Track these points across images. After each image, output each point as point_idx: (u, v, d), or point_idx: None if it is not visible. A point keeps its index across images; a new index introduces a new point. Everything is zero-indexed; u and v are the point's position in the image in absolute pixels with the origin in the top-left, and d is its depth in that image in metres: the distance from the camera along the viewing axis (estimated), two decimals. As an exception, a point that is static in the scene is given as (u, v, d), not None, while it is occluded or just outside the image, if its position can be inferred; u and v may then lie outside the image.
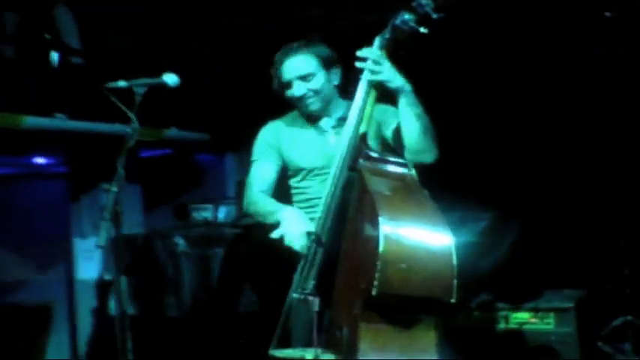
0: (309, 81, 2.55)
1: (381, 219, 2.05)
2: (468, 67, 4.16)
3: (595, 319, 3.79)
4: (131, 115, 2.29)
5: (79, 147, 4.29)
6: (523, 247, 4.22)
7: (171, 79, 2.41)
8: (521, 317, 3.76)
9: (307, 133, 2.63)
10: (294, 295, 2.38)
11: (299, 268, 2.39)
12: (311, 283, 2.30)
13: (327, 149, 2.56)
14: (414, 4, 2.29)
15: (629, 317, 3.75)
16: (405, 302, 2.08)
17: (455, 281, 2.06)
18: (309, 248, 2.35)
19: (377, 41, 2.37)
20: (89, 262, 4.77)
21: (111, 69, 3.77)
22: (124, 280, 2.31)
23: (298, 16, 3.93)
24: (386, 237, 2.04)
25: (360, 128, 2.33)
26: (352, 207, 2.26)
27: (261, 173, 2.65)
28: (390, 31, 2.34)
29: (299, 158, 2.61)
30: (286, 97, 2.62)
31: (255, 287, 4.08)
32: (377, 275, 2.01)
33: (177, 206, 4.83)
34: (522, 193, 4.32)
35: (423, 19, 2.29)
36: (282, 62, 2.58)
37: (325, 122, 2.64)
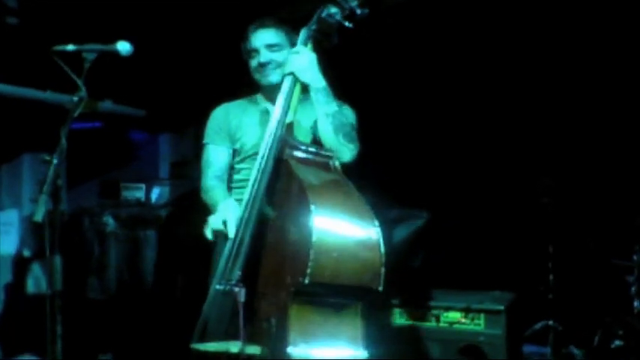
0: (274, 52, 2.55)
1: (312, 208, 2.06)
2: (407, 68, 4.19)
3: (522, 322, 3.89)
4: (79, 82, 2.13)
5: (4, 113, 4.01)
6: (457, 249, 4.30)
7: (124, 47, 2.25)
8: (452, 317, 3.79)
9: (253, 117, 2.63)
10: (218, 287, 2.31)
11: (223, 259, 2.33)
12: (237, 274, 2.23)
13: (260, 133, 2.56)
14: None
15: (550, 322, 3.85)
16: (334, 290, 2.10)
17: (383, 269, 2.11)
18: (235, 234, 2.31)
19: (302, 32, 2.42)
20: (5, 236, 4.50)
21: (48, 32, 3.53)
22: (58, 259, 2.13)
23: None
24: (318, 227, 2.05)
25: (287, 118, 2.35)
26: (278, 196, 2.26)
27: (214, 157, 2.63)
28: (316, 22, 2.38)
29: (242, 139, 2.61)
30: (250, 68, 2.61)
31: (185, 273, 3.96)
32: (310, 264, 2.01)
33: (105, 183, 4.62)
34: (456, 197, 4.39)
35: (348, 13, 2.33)
36: (254, 31, 2.59)
37: (273, 108, 2.62)
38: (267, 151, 2.30)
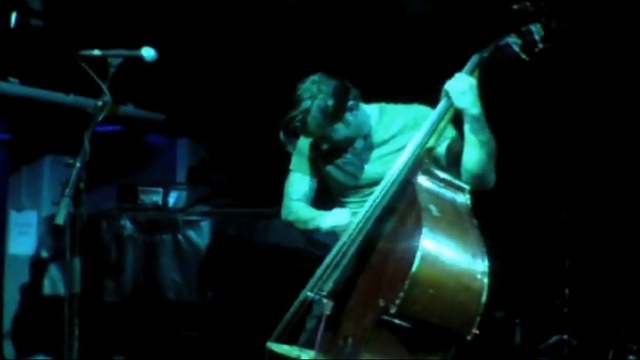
0: (331, 137, 2.47)
1: (423, 237, 1.97)
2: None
3: (538, 335, 3.87)
4: (104, 87, 2.15)
5: (28, 115, 4.06)
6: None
7: (148, 53, 2.28)
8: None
9: (340, 151, 2.54)
10: (309, 294, 2.27)
11: (321, 267, 2.29)
12: (329, 286, 2.20)
13: (359, 170, 2.51)
14: (523, 29, 2.23)
15: (564, 336, 3.83)
16: (420, 326, 1.99)
17: (478, 318, 1.98)
18: (342, 245, 2.25)
19: (473, 59, 2.30)
20: (24, 237, 4.54)
21: (71, 34, 3.58)
22: (77, 262, 2.15)
23: (272, 3, 3.85)
24: (422, 256, 1.96)
25: (429, 142, 2.27)
26: (395, 218, 2.19)
27: (299, 185, 2.63)
28: (492, 51, 2.28)
29: (335, 176, 2.55)
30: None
31: (202, 278, 3.96)
32: (401, 294, 1.94)
33: (123, 186, 4.63)
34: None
35: (528, 45, 2.24)
36: (301, 126, 2.44)
37: (357, 142, 2.55)
38: (400, 169, 2.23)
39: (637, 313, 3.75)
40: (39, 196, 4.60)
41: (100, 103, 2.17)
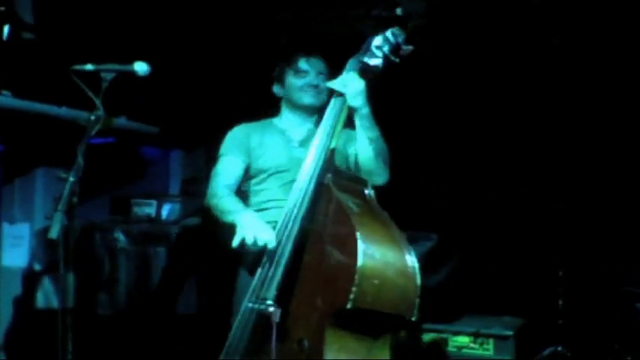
0: (321, 79, 2.70)
1: (358, 234, 2.10)
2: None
3: (533, 348, 3.86)
4: (97, 101, 2.16)
5: (21, 127, 4.05)
6: (464, 271, 4.29)
7: (141, 67, 2.29)
8: (461, 341, 3.78)
9: (275, 138, 2.72)
10: (250, 305, 2.32)
11: (257, 277, 2.34)
12: (272, 293, 2.26)
13: (291, 153, 2.66)
14: (387, 32, 2.44)
15: (559, 347, 3.83)
16: (372, 317, 2.12)
17: (417, 300, 2.15)
18: (269, 254, 2.32)
19: (351, 61, 2.50)
20: (16, 250, 4.51)
21: (64, 48, 3.58)
22: (71, 277, 2.15)
23: (265, 19, 3.87)
24: (364, 252, 2.08)
25: (332, 143, 2.42)
26: (318, 220, 2.29)
27: (229, 168, 2.68)
28: (365, 53, 2.47)
29: (264, 159, 2.67)
30: (286, 86, 2.73)
31: (196, 290, 3.96)
32: (354, 289, 2.05)
33: (116, 199, 4.63)
34: (466, 219, 4.39)
35: (394, 48, 2.44)
36: (303, 55, 2.73)
37: (295, 131, 2.75)
38: (312, 172, 2.35)
39: (631, 324, 3.75)
40: (32, 209, 4.58)
41: (93, 117, 2.18)
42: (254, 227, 2.36)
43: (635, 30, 3.64)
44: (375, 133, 2.47)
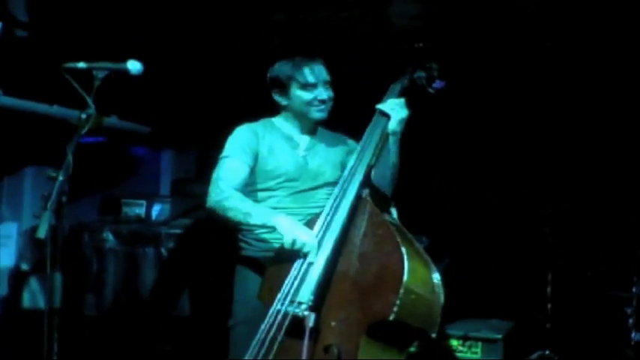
0: (329, 89, 2.63)
1: (403, 250, 2.17)
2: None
3: (521, 352, 3.87)
4: (89, 100, 2.14)
5: (11, 126, 4.01)
6: (454, 275, 4.28)
7: (134, 66, 2.27)
8: (450, 345, 3.78)
9: (281, 143, 2.65)
10: (288, 308, 2.28)
11: (289, 280, 2.32)
12: (308, 298, 2.25)
13: (299, 161, 2.63)
14: (427, 64, 2.56)
15: (546, 351, 3.84)
16: (404, 330, 2.17)
17: (439, 318, 2.22)
18: (303, 257, 2.33)
19: (396, 88, 2.59)
20: (4, 249, 4.46)
21: (57, 46, 3.55)
22: (58, 277, 2.13)
23: (259, 19, 3.86)
24: (409, 267, 2.14)
25: (372, 160, 2.47)
26: (354, 231, 2.32)
27: (235, 170, 2.57)
28: (409, 80, 2.58)
29: (274, 166, 2.61)
30: (292, 98, 2.63)
31: (186, 292, 3.93)
32: (398, 302, 2.11)
33: (106, 199, 4.60)
34: (456, 223, 4.40)
35: (429, 80, 2.57)
36: (305, 64, 2.61)
37: (300, 137, 2.70)
38: (350, 186, 2.40)
39: (618, 328, 3.77)
40: (20, 208, 4.54)
41: (84, 115, 2.15)
42: (296, 228, 2.36)
43: (627, 33, 3.66)
44: (398, 160, 2.52)
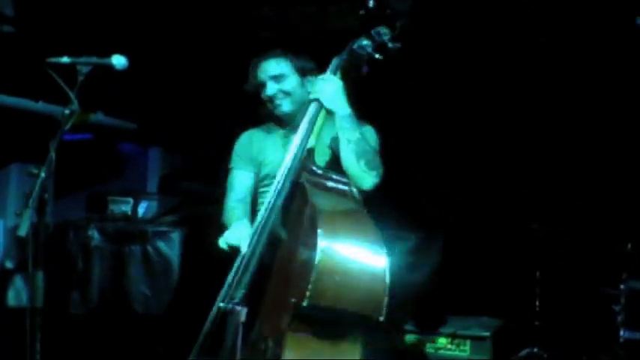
0: (280, 82, 2.59)
1: (319, 231, 2.07)
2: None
3: (509, 349, 3.87)
4: (71, 95, 2.10)
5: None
6: (443, 273, 4.29)
7: (119, 61, 2.23)
8: (439, 342, 3.78)
9: (275, 140, 2.66)
10: (221, 305, 2.31)
11: (229, 277, 2.34)
12: (240, 292, 2.25)
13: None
14: (372, 31, 2.40)
15: (535, 349, 3.84)
16: (334, 316, 2.08)
17: (386, 300, 2.08)
18: (244, 253, 2.32)
19: (333, 62, 2.48)
20: (-14, 247, 4.43)
21: (43, 41, 3.51)
22: (40, 275, 2.09)
23: (245, 14, 3.84)
24: (323, 249, 2.05)
25: (308, 143, 2.38)
26: (291, 218, 2.28)
27: (237, 181, 2.67)
28: (347, 53, 2.45)
29: (264, 162, 2.65)
30: (262, 100, 2.65)
31: (172, 290, 3.90)
32: (310, 286, 2.01)
33: (92, 196, 4.55)
34: (444, 220, 4.39)
35: (379, 46, 2.40)
36: (257, 64, 2.63)
37: (295, 132, 2.65)
38: (286, 173, 2.34)
39: (608, 326, 3.78)
40: (5, 206, 4.50)
41: (67, 111, 2.11)
42: (232, 230, 2.40)
43: (621, 29, 3.66)
44: (355, 135, 2.39)
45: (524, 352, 3.86)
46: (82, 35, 3.58)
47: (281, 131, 2.67)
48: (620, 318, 3.73)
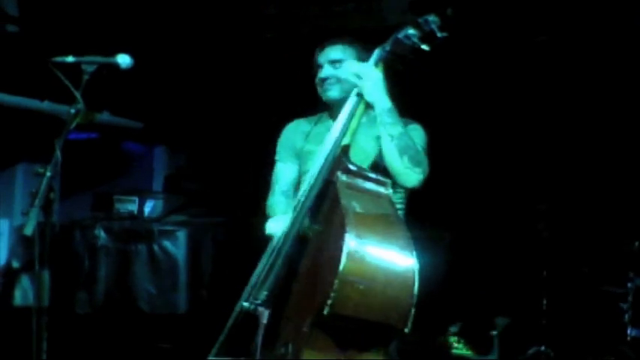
0: (337, 68, 2.47)
1: (347, 235, 1.95)
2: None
3: (516, 348, 3.86)
4: (77, 94, 2.09)
5: (1, 122, 3.98)
6: (450, 273, 4.28)
7: (124, 60, 2.22)
8: (446, 342, 3.77)
9: (322, 134, 2.49)
10: (244, 305, 2.22)
11: (253, 277, 2.26)
12: (263, 294, 2.16)
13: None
14: (420, 20, 2.27)
15: (542, 347, 3.83)
16: (357, 325, 1.97)
17: (412, 310, 1.95)
18: (271, 252, 2.24)
19: (376, 53, 2.34)
20: (-6, 245, 4.44)
21: (48, 41, 3.51)
22: (46, 275, 2.09)
23: (251, 14, 3.83)
24: (348, 254, 1.94)
25: (344, 140, 2.25)
26: (321, 219, 2.17)
27: (282, 174, 2.57)
28: (392, 44, 2.31)
29: (309, 157, 2.50)
30: (316, 85, 2.53)
31: (178, 289, 3.90)
32: (332, 294, 1.90)
33: (98, 195, 4.56)
34: (451, 220, 4.38)
35: (427, 36, 2.27)
36: (322, 48, 2.52)
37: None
38: (319, 170, 2.22)
39: (615, 324, 3.76)
40: (11, 205, 4.51)
41: (72, 110, 2.10)
42: (274, 221, 2.35)
43: (619, 27, 3.64)
44: (397, 129, 2.26)
45: (531, 351, 3.85)
46: (87, 34, 3.58)
47: (325, 124, 2.52)
48: (627, 316, 3.72)
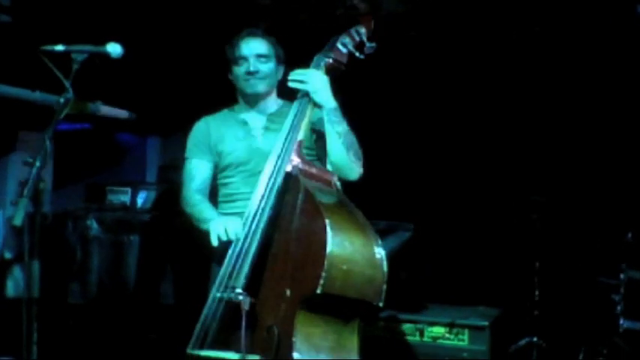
0: (263, 62, 2.61)
1: (327, 222, 2.17)
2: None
3: (508, 338, 3.87)
4: (66, 83, 2.08)
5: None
6: (441, 262, 4.29)
7: (114, 49, 2.21)
8: (436, 332, 3.77)
9: (234, 130, 2.67)
10: (218, 294, 2.33)
11: (224, 267, 2.36)
12: (242, 282, 2.28)
13: (253, 145, 2.63)
14: (352, 30, 2.51)
15: (534, 338, 3.84)
16: (340, 303, 2.19)
17: (385, 286, 2.23)
18: (240, 244, 2.35)
19: (316, 58, 2.54)
20: (-15, 236, 4.42)
21: (41, 30, 3.49)
22: (36, 265, 2.08)
23: (244, 4, 3.82)
24: (333, 240, 2.16)
25: (298, 136, 2.43)
26: (286, 210, 2.33)
27: (196, 171, 2.67)
28: (330, 50, 2.52)
29: (226, 153, 2.64)
30: (233, 75, 2.67)
31: (170, 280, 3.90)
32: (323, 275, 2.12)
33: (90, 186, 4.54)
34: (443, 210, 4.39)
35: (359, 45, 2.50)
36: (242, 38, 2.66)
37: (255, 118, 2.69)
38: (279, 165, 2.38)
39: (607, 315, 3.77)
40: (3, 195, 4.49)
41: (62, 100, 2.10)
42: (223, 222, 2.41)
43: (615, 20, 3.64)
44: (343, 127, 2.47)
45: (523, 342, 3.86)
46: (79, 24, 3.55)
47: (239, 118, 2.67)
48: (619, 308, 3.72)
